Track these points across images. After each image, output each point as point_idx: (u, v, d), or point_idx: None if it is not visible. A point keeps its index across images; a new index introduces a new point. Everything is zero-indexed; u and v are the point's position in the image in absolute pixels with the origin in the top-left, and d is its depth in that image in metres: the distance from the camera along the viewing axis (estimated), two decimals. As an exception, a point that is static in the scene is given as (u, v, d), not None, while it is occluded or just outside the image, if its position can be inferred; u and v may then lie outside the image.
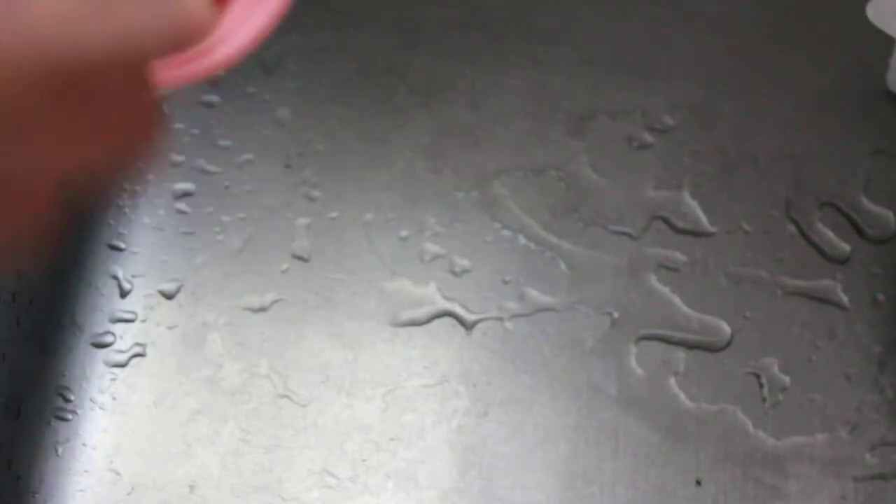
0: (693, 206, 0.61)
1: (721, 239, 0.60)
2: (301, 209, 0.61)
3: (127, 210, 0.61)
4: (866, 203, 0.61)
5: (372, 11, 0.65)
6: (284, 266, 0.60)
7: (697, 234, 0.60)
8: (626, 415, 0.57)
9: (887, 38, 0.57)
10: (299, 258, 0.60)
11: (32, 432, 0.56)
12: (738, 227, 0.60)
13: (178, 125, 0.62)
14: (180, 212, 0.61)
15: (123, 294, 0.59)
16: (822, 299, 0.59)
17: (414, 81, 0.64)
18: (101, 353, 0.58)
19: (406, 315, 0.59)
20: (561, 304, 0.59)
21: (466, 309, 0.59)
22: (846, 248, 0.60)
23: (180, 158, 0.62)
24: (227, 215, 0.61)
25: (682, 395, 0.57)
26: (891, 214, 0.60)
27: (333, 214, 0.61)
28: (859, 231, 0.60)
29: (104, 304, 0.59)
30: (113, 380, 0.57)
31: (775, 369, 0.57)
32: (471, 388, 0.57)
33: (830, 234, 0.60)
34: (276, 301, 0.59)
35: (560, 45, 0.64)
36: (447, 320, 0.59)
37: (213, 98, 0.63)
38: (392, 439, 0.56)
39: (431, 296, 0.59)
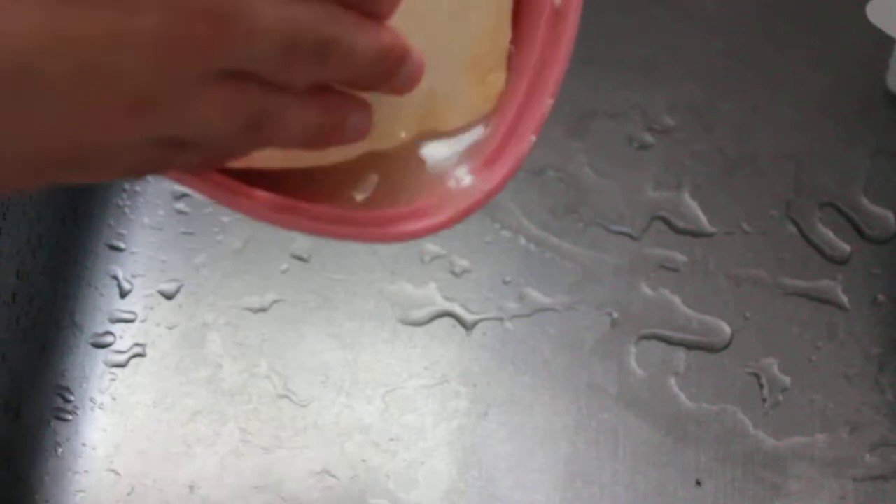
0: (693, 206, 0.61)
1: (721, 239, 0.60)
2: (301, 209, 0.61)
3: (127, 210, 0.61)
4: (866, 203, 0.61)
5: (372, 11, 0.65)
6: (284, 266, 0.60)
7: (697, 234, 0.60)
8: (626, 415, 0.57)
9: (887, 38, 0.57)
10: (299, 258, 0.60)
11: (32, 432, 0.56)
12: (738, 228, 0.60)
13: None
14: (180, 212, 0.61)
15: (123, 294, 0.59)
16: (822, 299, 0.59)
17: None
18: (101, 353, 0.58)
19: (406, 315, 0.59)
20: (561, 304, 0.59)
21: (466, 309, 0.59)
22: (846, 248, 0.60)
23: (180, 158, 0.62)
24: (226, 215, 0.61)
25: (682, 395, 0.57)
26: (891, 215, 0.60)
27: (333, 214, 0.61)
28: (859, 231, 0.60)
29: (104, 304, 0.59)
30: (113, 380, 0.57)
31: (775, 369, 0.57)
32: (471, 388, 0.57)
33: (830, 234, 0.60)
34: (276, 301, 0.59)
35: (560, 45, 0.64)
36: (447, 320, 0.59)
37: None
38: (392, 439, 0.56)
39: (431, 296, 0.59)
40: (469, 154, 0.37)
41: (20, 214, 0.55)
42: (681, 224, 0.61)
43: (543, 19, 0.37)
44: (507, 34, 0.37)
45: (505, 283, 0.59)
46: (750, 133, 0.62)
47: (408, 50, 0.33)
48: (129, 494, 0.55)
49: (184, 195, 0.61)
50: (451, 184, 0.37)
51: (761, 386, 0.57)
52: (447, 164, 0.37)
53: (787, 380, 0.57)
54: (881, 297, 0.59)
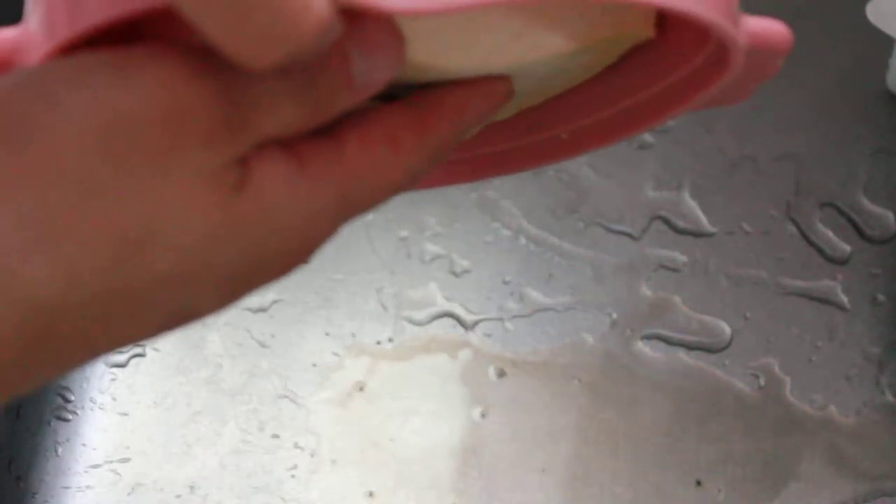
0: (693, 206, 0.61)
1: (721, 239, 0.60)
2: (301, 209, 0.61)
3: (127, 210, 0.61)
4: (866, 203, 0.61)
5: (372, 11, 0.65)
6: (284, 266, 0.60)
7: (697, 234, 0.60)
8: (626, 415, 0.57)
9: (887, 38, 0.57)
10: (299, 258, 0.60)
11: (32, 432, 0.56)
12: (739, 228, 0.60)
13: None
14: (180, 212, 0.61)
15: (123, 294, 0.59)
16: (823, 300, 0.59)
17: (414, 81, 0.63)
18: (101, 353, 0.58)
19: (406, 315, 0.59)
20: (561, 304, 0.59)
21: (466, 309, 0.59)
22: (846, 248, 0.60)
23: (180, 158, 0.62)
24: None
25: (682, 396, 0.57)
26: (891, 214, 0.60)
27: (333, 214, 0.61)
28: (859, 231, 0.60)
29: (104, 304, 0.59)
30: (113, 380, 0.57)
31: (775, 369, 0.57)
32: (471, 389, 0.57)
33: (831, 234, 0.60)
34: (276, 301, 0.59)
35: (560, 45, 0.64)
36: (447, 320, 0.59)
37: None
38: (392, 440, 0.56)
39: (431, 296, 0.59)
40: None
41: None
42: (681, 224, 0.61)
43: None
44: None
45: (505, 283, 0.59)
46: (750, 133, 0.62)
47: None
48: (129, 494, 0.55)
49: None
50: None
51: (761, 386, 0.57)
52: None
53: (787, 380, 0.57)
54: (881, 297, 0.59)
